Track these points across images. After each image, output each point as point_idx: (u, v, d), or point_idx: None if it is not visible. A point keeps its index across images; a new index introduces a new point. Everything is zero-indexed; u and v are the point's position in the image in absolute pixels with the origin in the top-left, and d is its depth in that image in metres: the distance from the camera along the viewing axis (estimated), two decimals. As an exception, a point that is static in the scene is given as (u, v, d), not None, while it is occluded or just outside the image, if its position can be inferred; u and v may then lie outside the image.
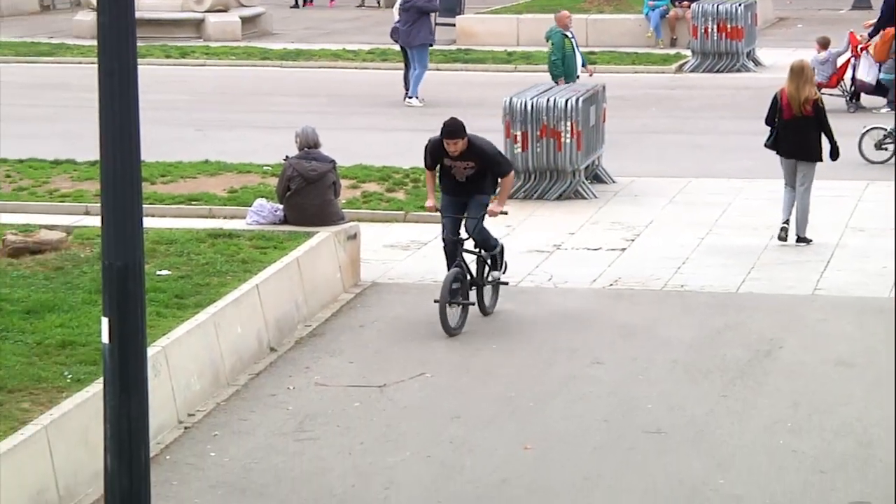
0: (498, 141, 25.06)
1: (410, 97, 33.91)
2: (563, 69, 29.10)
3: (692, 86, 37.04)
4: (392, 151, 27.29)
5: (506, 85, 30.86)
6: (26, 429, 13.36)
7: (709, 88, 36.65)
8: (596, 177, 25.88)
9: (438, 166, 18.24)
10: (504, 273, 18.77)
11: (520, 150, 24.64)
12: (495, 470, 14.28)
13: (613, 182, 26.06)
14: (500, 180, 18.22)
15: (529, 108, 24.67)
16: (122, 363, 6.91)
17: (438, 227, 22.65)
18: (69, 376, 14.65)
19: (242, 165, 26.17)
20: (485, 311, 18.47)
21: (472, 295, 18.27)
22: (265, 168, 25.49)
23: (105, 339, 6.84)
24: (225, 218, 22.36)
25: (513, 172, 18.62)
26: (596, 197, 24.97)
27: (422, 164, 25.97)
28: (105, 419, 6.85)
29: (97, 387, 14.09)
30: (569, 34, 29.65)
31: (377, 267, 20.94)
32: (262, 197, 21.78)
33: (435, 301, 17.57)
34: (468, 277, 18.02)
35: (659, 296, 19.77)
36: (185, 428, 15.35)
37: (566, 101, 24.62)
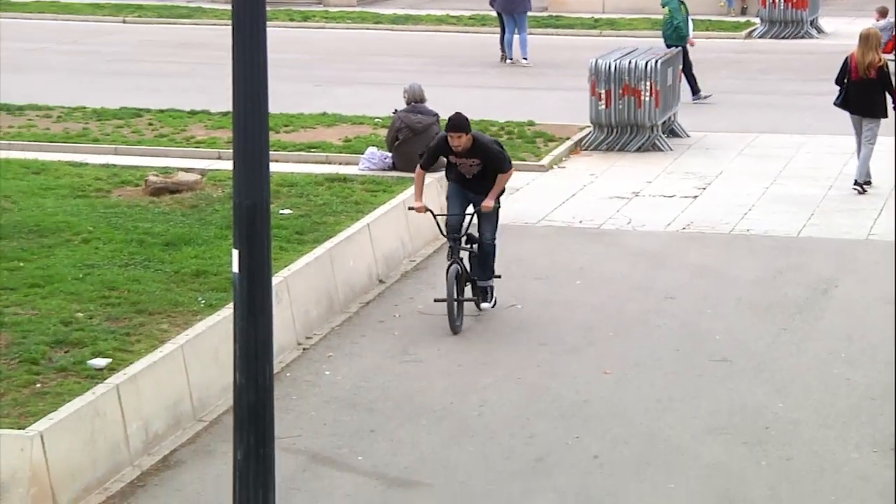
0: (583, 98, 25.10)
1: (525, 58, 33.69)
2: (685, 32, 28.55)
3: (760, 51, 36.69)
4: (488, 106, 27.19)
5: (592, 48, 30.67)
6: (165, 347, 13.52)
7: (775, 53, 36.29)
8: (671, 131, 25.76)
9: (443, 165, 16.29)
10: (493, 305, 16.42)
11: (603, 106, 24.59)
12: (578, 391, 14.29)
13: (687, 136, 25.91)
14: (498, 175, 15.92)
15: (613, 69, 24.58)
16: (250, 290, 6.94)
17: (532, 176, 22.77)
18: (202, 301, 14.80)
19: (356, 117, 26.19)
20: (478, 306, 16.43)
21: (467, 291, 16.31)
22: (376, 120, 25.50)
23: (235, 268, 6.88)
24: (340, 164, 22.38)
25: (512, 171, 16.17)
26: (671, 149, 24.84)
27: (512, 117, 26.20)
28: (234, 340, 6.90)
29: (227, 311, 14.23)
30: (684, 0, 29.07)
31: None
32: (374, 146, 21.81)
33: (435, 300, 15.94)
34: (464, 273, 15.97)
35: (727, 239, 19.66)
36: (304, 349, 15.45)
37: (646, 63, 24.52)
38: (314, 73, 32.69)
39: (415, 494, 12.15)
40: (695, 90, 28.86)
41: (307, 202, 18.98)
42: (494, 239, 16.03)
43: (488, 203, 15.76)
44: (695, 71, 28.92)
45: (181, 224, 17.67)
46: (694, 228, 20.24)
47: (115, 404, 12.47)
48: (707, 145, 25.39)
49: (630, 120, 24.68)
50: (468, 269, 16.08)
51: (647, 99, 24.48)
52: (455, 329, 15.63)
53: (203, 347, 13.83)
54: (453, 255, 15.79)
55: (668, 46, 27.63)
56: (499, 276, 16.37)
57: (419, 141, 20.07)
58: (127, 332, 13.85)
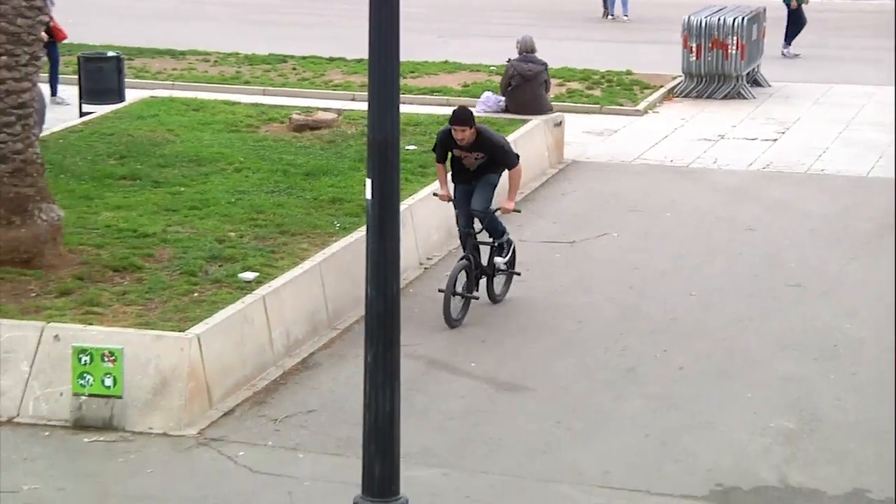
0: (676, 51, 24.88)
1: (626, 15, 33.42)
2: None
3: (836, 10, 36.04)
4: (590, 57, 27.00)
5: (685, 6, 30.29)
6: (304, 264, 13.64)
7: (849, 12, 35.69)
8: (755, 81, 25.51)
9: (450, 158, 14.15)
10: (511, 265, 14.46)
11: (694, 58, 24.55)
12: (666, 311, 14.25)
13: (769, 86, 25.61)
14: (508, 175, 13.92)
15: (704, 24, 24.42)
16: (380, 215, 6.97)
17: (629, 119, 22.65)
18: (338, 225, 14.89)
19: (473, 65, 26.12)
20: (494, 299, 14.31)
21: (482, 284, 14.26)
22: (491, 68, 25.41)
23: (368, 195, 6.92)
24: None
25: (520, 165, 14.08)
26: (754, 97, 24.59)
27: (612, 67, 26.02)
28: (366, 258, 6.95)
29: (359, 233, 14.32)
30: None
31: (576, 148, 20.84)
32: (489, 90, 21.74)
33: (440, 291, 13.71)
34: (476, 269, 13.96)
35: (802, 178, 19.44)
36: (425, 269, 15.51)
37: (734, 20, 24.33)
38: (437, 25, 32.58)
39: (520, 397, 12.21)
40: (788, 41, 28.69)
41: (430, 139, 18.97)
42: (486, 209, 13.93)
43: (509, 206, 13.92)
44: (791, 30, 28.61)
45: (320, 157, 17.77)
46: (773, 168, 20.04)
47: (262, 312, 12.62)
48: (786, 94, 25.09)
49: (717, 70, 24.57)
50: (483, 265, 14.10)
51: (734, 52, 24.39)
52: (450, 323, 13.53)
53: (338, 264, 13.94)
54: (464, 247, 14.01)
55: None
56: (518, 274, 14.52)
57: (529, 87, 20.06)
58: (272, 250, 14.00)
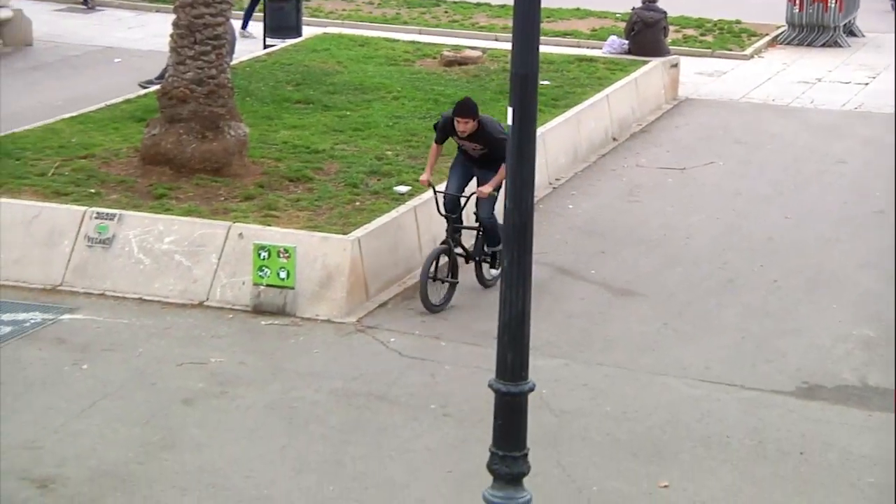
0: (781, 3, 24.32)
1: None
2: None
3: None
4: (703, 6, 26.50)
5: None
6: (450, 181, 13.63)
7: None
8: (850, 31, 24.88)
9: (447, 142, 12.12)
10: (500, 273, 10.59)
11: (797, 10, 24.06)
12: (764, 231, 14.07)
13: (863, 36, 24.95)
14: (502, 165, 11.14)
15: (807, -20, 23.96)
16: (519, 140, 6.94)
17: (737, 63, 22.18)
18: (480, 148, 14.85)
19: (602, 12, 25.75)
20: (484, 283, 12.19)
21: (472, 268, 12.22)
22: (617, 14, 25.04)
23: (509, 121, 6.90)
24: (587, 48, 22.14)
25: None
26: (849, 46, 23.99)
27: (723, 17, 25.51)
28: (506, 176, 6.94)
29: (498, 156, 14.26)
30: None
31: (689, 87, 20.52)
32: (614, 34, 21.47)
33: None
34: (457, 253, 11.83)
35: (889, 118, 18.94)
36: (553, 188, 15.45)
37: (834, -23, 23.84)
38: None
39: (633, 301, 12.17)
40: None
41: (561, 76, 18.84)
42: (491, 216, 11.82)
43: (485, 189, 11.61)
44: None
45: (465, 89, 17.70)
46: (864, 109, 19.57)
47: (412, 221, 12.68)
48: (878, 44, 24.40)
49: (817, 21, 24.05)
50: (467, 249, 12.02)
51: (833, 5, 23.90)
52: (430, 308, 11.53)
53: (479, 182, 13.93)
54: (448, 234, 11.75)
55: None
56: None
57: (650, 32, 19.85)
58: (423, 168, 13.99)
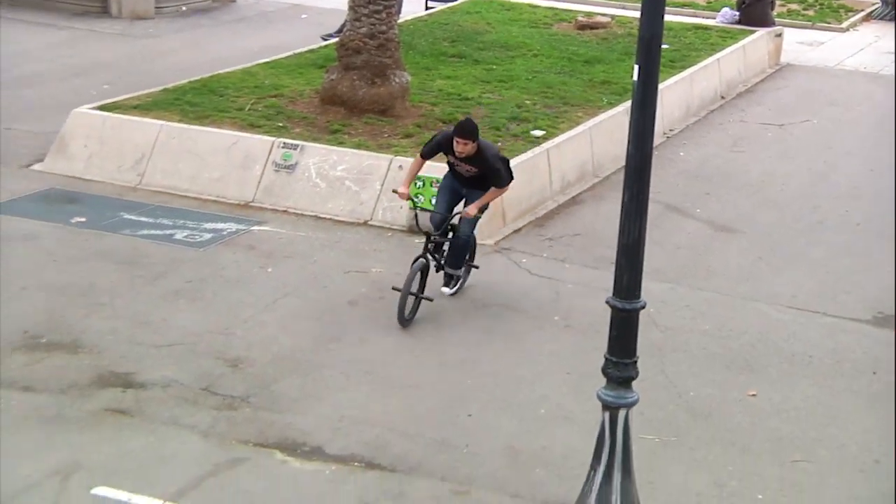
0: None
1: None
2: None
3: None
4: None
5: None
6: (579, 127, 13.52)
7: None
8: (937, 10, 24.01)
9: (443, 160, 9.95)
10: (471, 259, 10.13)
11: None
12: (850, 181, 13.70)
13: (948, 14, 24.05)
14: (493, 188, 9.59)
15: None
16: (643, 93, 6.82)
17: (833, 34, 21.46)
18: (606, 100, 14.69)
19: (716, -13, 25.22)
20: (448, 285, 10.03)
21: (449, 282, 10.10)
22: (730, -11, 24.50)
23: (635, 77, 6.79)
24: (702, 18, 21.64)
25: (507, 187, 9.72)
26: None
27: None
28: (629, 125, 6.84)
29: (620, 107, 14.11)
30: None
31: (791, 55, 19.98)
32: (727, 6, 20.95)
33: (394, 289, 9.52)
34: (432, 266, 9.81)
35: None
36: (667, 137, 15.21)
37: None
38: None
39: (733, 237, 11.96)
40: None
41: (679, 41, 18.46)
42: (470, 235, 9.81)
43: (471, 211, 9.53)
44: None
45: (595, 50, 17.48)
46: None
47: (545, 161, 12.62)
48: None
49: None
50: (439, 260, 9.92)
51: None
52: (402, 322, 9.38)
53: (603, 129, 13.79)
54: (426, 248, 9.67)
55: None
56: (476, 267, 10.22)
57: (759, 5, 19.51)
58: (556, 115, 13.92)
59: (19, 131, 13.64)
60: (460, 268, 9.92)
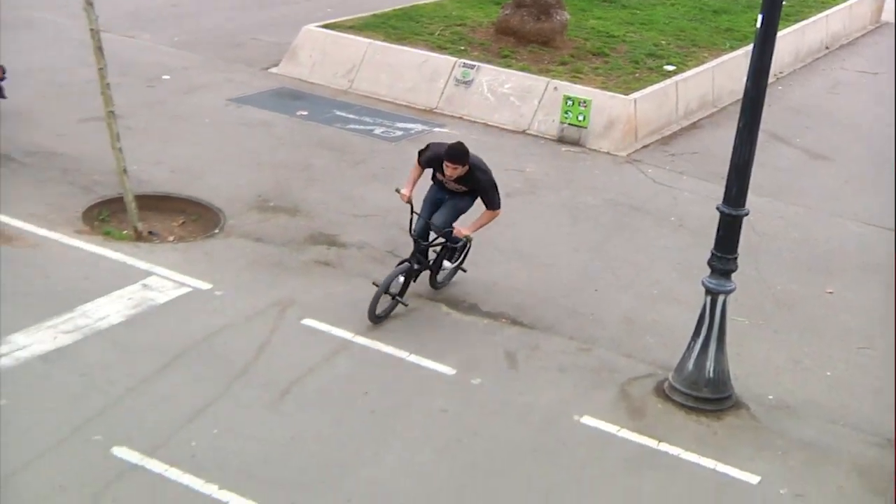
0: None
1: None
2: None
3: None
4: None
5: None
6: (704, 65, 12.93)
7: None
8: None
9: (431, 170, 7.64)
10: (461, 263, 8.01)
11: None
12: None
13: None
14: (485, 210, 7.43)
15: None
16: (765, 35, 6.53)
17: None
18: (728, 45, 14.04)
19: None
20: (434, 286, 7.89)
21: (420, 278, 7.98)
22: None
23: (758, 25, 6.45)
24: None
25: (499, 211, 7.45)
26: None
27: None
28: (749, 64, 6.53)
29: (741, 50, 13.47)
30: None
31: (890, 14, 18.65)
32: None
33: (374, 284, 7.41)
34: (417, 272, 7.62)
35: None
36: (777, 78, 14.45)
37: None
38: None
39: (825, 164, 11.37)
40: None
41: (795, -2, 17.48)
42: (443, 228, 7.51)
43: (464, 231, 7.46)
44: None
45: (723, 1, 16.65)
46: None
47: (674, 91, 12.19)
48: None
49: None
50: (427, 263, 7.69)
51: None
52: (372, 319, 7.31)
53: (724, 68, 13.20)
54: (414, 254, 7.58)
55: None
56: (464, 270, 8.08)
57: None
58: (686, 55, 13.38)
59: (262, 42, 13.90)
60: (457, 241, 7.64)
